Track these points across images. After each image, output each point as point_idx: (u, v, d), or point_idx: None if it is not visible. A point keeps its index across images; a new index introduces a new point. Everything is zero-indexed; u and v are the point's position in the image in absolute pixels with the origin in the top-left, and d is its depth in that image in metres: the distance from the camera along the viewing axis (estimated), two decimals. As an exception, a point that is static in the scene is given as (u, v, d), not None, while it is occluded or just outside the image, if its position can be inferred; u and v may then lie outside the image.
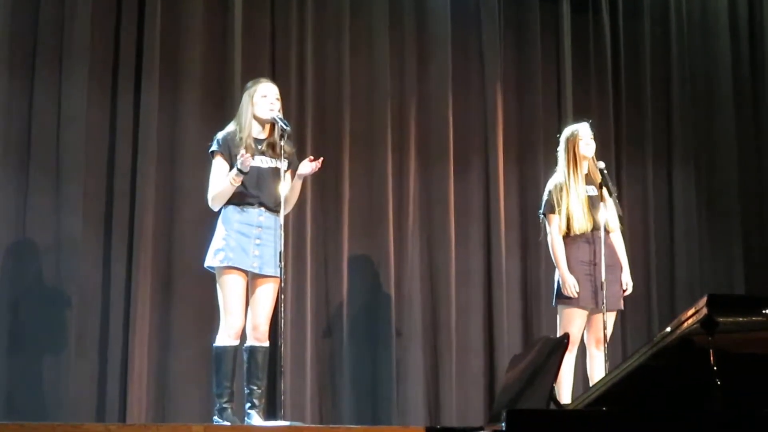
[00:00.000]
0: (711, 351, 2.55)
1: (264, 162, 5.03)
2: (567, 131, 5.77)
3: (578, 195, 5.58)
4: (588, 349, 5.64)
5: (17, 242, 5.82)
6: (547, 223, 5.68)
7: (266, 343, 4.99)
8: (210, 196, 5.02)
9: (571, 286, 5.50)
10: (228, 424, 4.83)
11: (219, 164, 5.01)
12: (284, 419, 5.10)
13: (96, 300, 5.86)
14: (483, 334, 6.79)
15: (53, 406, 5.66)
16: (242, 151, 4.88)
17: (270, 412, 5.29)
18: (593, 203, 5.61)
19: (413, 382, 6.50)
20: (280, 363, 5.11)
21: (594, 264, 5.56)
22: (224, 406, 4.90)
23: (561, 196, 5.60)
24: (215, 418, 4.91)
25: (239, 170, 4.86)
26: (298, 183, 5.09)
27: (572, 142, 5.67)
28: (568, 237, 5.59)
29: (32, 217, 5.83)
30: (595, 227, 5.57)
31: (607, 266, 5.49)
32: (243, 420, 4.93)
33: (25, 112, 5.89)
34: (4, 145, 5.81)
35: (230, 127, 5.10)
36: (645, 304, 7.14)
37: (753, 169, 7.67)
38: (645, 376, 2.70)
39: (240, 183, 4.91)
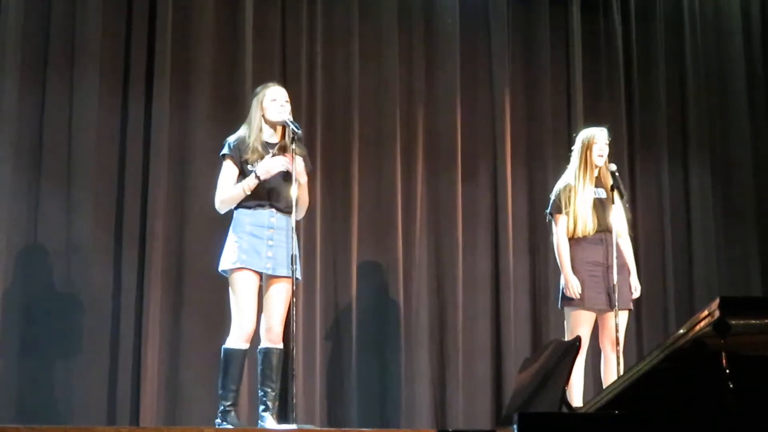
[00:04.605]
0: (723, 354, 2.55)
1: None
2: (583, 134, 5.75)
3: (586, 198, 5.58)
4: (603, 352, 5.64)
5: (28, 247, 5.84)
6: (553, 222, 5.68)
7: (280, 345, 4.97)
8: (218, 199, 5.02)
9: (573, 287, 5.50)
10: (231, 427, 4.81)
11: (228, 168, 5.01)
12: (295, 422, 5.10)
13: (107, 304, 5.88)
14: (490, 338, 6.79)
15: (65, 410, 5.68)
16: (266, 159, 4.90)
17: (281, 415, 5.29)
18: (603, 206, 5.60)
19: (420, 385, 6.50)
20: (292, 366, 5.10)
21: (603, 266, 5.55)
22: (228, 408, 4.87)
23: (569, 198, 5.60)
24: (217, 420, 4.88)
25: (257, 176, 4.88)
26: (300, 187, 5.03)
27: (586, 146, 5.65)
28: (573, 238, 5.60)
29: (43, 222, 5.85)
30: (606, 229, 5.57)
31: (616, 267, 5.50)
32: (257, 423, 4.93)
33: (37, 117, 5.92)
34: (15, 150, 5.83)
35: (241, 131, 5.09)
36: (661, 306, 7.11)
37: (769, 169, 7.64)
38: (657, 379, 2.70)
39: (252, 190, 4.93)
